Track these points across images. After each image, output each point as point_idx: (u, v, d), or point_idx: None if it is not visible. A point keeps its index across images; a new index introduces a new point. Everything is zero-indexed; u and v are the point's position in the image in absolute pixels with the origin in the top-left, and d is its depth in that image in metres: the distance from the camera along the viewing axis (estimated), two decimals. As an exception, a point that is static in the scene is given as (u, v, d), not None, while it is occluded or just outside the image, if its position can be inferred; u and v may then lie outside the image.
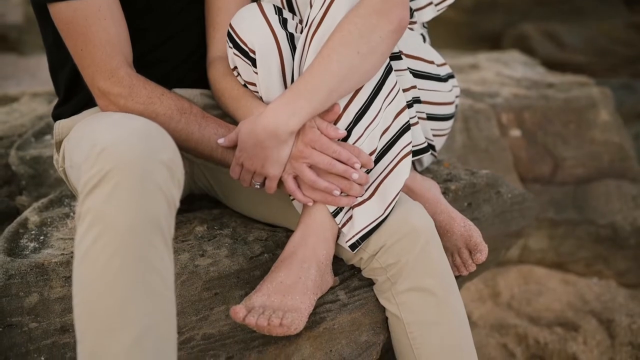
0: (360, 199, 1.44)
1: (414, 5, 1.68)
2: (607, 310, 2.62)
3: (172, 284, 1.18)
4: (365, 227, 1.44)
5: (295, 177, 1.44)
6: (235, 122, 1.52)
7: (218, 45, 1.59)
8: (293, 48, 1.45)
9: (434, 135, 1.73)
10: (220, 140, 1.46)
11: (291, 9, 1.58)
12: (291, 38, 1.46)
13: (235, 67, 1.51)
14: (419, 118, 1.62)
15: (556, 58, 5.05)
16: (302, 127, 1.39)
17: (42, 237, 1.58)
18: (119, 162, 1.15)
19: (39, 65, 4.33)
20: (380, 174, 1.45)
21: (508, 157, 2.96)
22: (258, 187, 1.47)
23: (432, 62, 1.68)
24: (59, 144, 1.62)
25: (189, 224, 1.62)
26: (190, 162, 1.66)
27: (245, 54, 1.45)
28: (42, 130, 2.30)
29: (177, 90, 1.60)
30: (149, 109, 1.44)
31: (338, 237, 1.48)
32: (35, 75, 4.34)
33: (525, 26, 5.52)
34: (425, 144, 1.63)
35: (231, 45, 1.48)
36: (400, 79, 1.54)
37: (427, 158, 1.83)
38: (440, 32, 5.26)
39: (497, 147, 2.94)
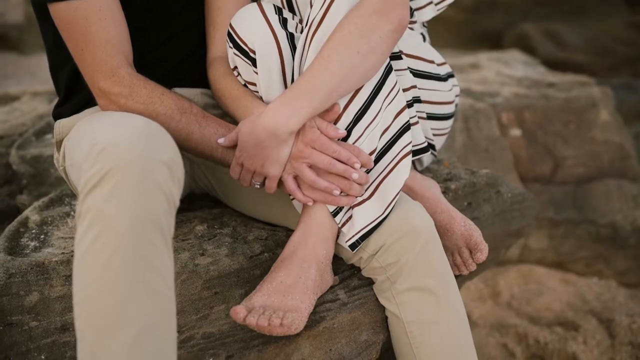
0: (360, 199, 1.44)
1: (414, 5, 1.68)
2: (607, 310, 2.62)
3: (172, 283, 1.18)
4: (365, 227, 1.44)
5: (295, 177, 1.44)
6: (235, 121, 1.53)
7: (218, 45, 1.59)
8: (293, 48, 1.45)
9: (434, 135, 1.73)
10: (221, 140, 1.46)
11: (291, 9, 1.58)
12: (291, 38, 1.46)
13: (236, 67, 1.51)
14: (419, 117, 1.62)
15: (557, 57, 5.04)
16: (302, 126, 1.39)
17: (42, 236, 1.59)
18: (120, 161, 1.15)
19: (40, 64, 4.33)
20: (380, 173, 1.45)
21: (508, 157, 2.96)
22: (258, 186, 1.47)
23: (432, 62, 1.69)
24: (59, 143, 1.62)
25: (189, 223, 1.62)
26: (190, 161, 1.67)
27: (245, 53, 1.45)
28: (43, 129, 2.30)
29: (178, 89, 1.60)
30: (149, 108, 1.44)
31: (338, 236, 1.48)
32: (35, 74, 4.34)
33: (525, 25, 5.51)
34: (425, 144, 1.63)
35: (231, 45, 1.48)
36: (401, 78, 1.54)
37: (427, 157, 1.83)
38: (441, 32, 5.26)
39: (497, 147, 2.94)
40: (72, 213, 1.69)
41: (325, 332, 1.42)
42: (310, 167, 1.41)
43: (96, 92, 1.46)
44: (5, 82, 4.20)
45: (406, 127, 1.48)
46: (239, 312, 1.31)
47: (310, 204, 1.44)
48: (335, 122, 1.41)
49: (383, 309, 1.49)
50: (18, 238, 1.58)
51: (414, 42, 1.67)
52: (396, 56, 1.54)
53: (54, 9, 1.42)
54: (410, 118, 1.55)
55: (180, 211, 1.59)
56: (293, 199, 1.49)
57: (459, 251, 1.64)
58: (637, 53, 5.24)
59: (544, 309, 2.66)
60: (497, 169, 2.78)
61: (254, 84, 1.49)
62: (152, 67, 1.55)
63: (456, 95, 1.79)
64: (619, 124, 3.16)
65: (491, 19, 5.96)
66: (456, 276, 1.59)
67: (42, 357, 1.33)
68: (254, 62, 1.45)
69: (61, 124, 1.61)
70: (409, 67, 1.58)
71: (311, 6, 1.42)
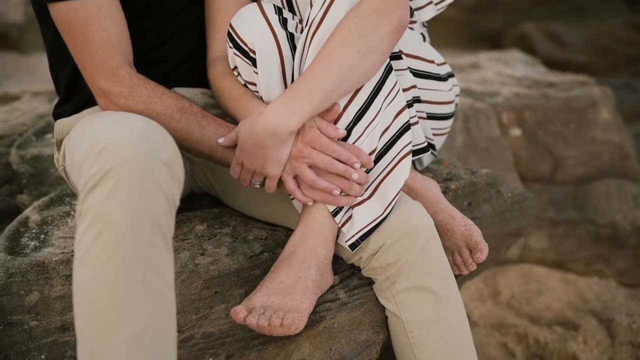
0: (360, 199, 1.44)
1: (413, 5, 1.68)
2: (607, 310, 2.62)
3: (172, 282, 1.18)
4: (365, 227, 1.44)
5: (295, 177, 1.44)
6: (235, 122, 1.53)
7: (218, 45, 1.59)
8: (293, 48, 1.45)
9: (434, 135, 1.73)
10: (221, 140, 1.46)
11: (291, 9, 1.58)
12: (291, 38, 1.46)
13: (236, 67, 1.51)
14: (419, 117, 1.62)
15: (557, 57, 5.05)
16: (302, 126, 1.39)
17: (42, 236, 1.59)
18: (120, 161, 1.15)
19: (40, 64, 4.33)
20: (380, 173, 1.45)
21: (508, 157, 2.96)
22: (258, 186, 1.47)
23: (432, 62, 1.69)
24: (59, 143, 1.62)
25: (189, 222, 1.62)
26: (190, 161, 1.67)
27: (245, 53, 1.45)
28: (43, 129, 2.30)
29: (178, 89, 1.61)
30: (149, 108, 1.44)
31: (338, 236, 1.48)
32: (36, 74, 4.34)
33: (525, 25, 5.52)
34: (425, 144, 1.63)
35: (231, 45, 1.48)
36: (401, 78, 1.54)
37: (427, 157, 1.83)
38: (441, 31, 5.26)
39: (497, 147, 2.94)
40: (72, 213, 1.69)
41: (325, 331, 1.42)
42: (310, 167, 1.41)
43: (96, 92, 1.46)
44: (5, 82, 4.20)
45: (406, 127, 1.48)
46: (239, 312, 1.32)
47: (310, 203, 1.44)
48: (335, 122, 1.41)
49: (383, 308, 1.49)
50: (18, 238, 1.58)
51: (414, 42, 1.67)
52: (396, 56, 1.54)
53: (54, 9, 1.42)
54: (410, 118, 1.55)
55: (180, 211, 1.59)
56: (293, 198, 1.49)
57: (459, 251, 1.64)
58: (637, 53, 5.24)
59: (544, 309, 2.66)
60: (497, 168, 2.78)
61: (254, 84, 1.49)
62: (152, 67, 1.55)
63: (456, 95, 1.79)
64: (619, 124, 3.16)
65: (491, 19, 5.96)
66: (456, 276, 1.60)
67: (42, 356, 1.33)
68: (254, 62, 1.45)
69: (61, 124, 1.61)
70: (409, 67, 1.58)
71: (311, 6, 1.42)
